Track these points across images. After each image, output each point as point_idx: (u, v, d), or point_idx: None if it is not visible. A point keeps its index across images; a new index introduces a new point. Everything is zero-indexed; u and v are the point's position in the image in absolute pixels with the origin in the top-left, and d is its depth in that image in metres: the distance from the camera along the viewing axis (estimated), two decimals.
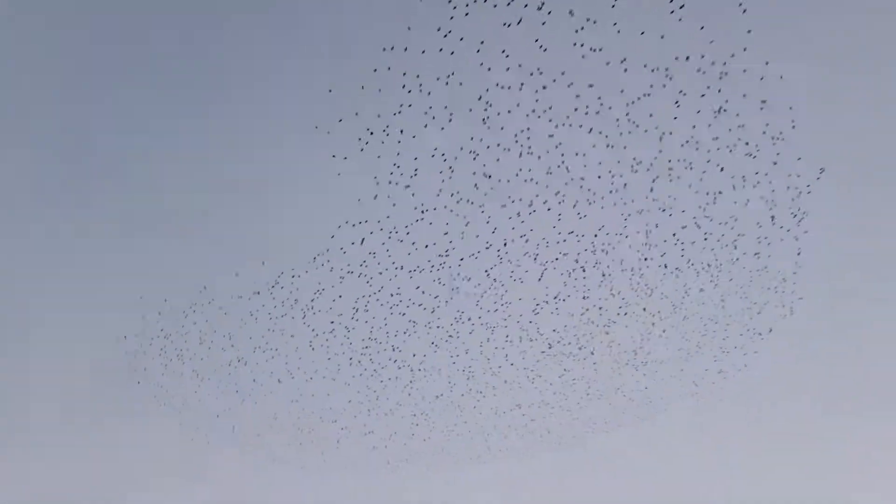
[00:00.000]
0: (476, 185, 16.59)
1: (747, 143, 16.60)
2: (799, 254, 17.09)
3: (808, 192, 16.55)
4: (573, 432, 22.12)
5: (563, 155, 16.21)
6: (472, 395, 21.72)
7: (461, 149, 16.10)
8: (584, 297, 20.53)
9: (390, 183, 16.97)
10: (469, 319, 19.93)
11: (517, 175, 16.79)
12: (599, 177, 17.09)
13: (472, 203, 16.94)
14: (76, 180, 22.57)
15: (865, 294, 20.60)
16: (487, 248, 18.18)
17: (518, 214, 17.27)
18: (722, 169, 17.10)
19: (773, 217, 17.53)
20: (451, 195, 17.00)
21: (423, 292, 18.57)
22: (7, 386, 23.63)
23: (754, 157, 16.94)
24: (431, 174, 16.38)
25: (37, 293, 23.33)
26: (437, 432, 22.32)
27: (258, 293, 17.78)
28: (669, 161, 17.12)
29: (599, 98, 15.75)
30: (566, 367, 21.55)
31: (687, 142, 16.08)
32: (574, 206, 17.46)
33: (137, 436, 22.98)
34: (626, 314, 21.06)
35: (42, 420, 24.09)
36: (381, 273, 17.91)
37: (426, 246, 17.58)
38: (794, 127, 15.62)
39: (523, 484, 23.34)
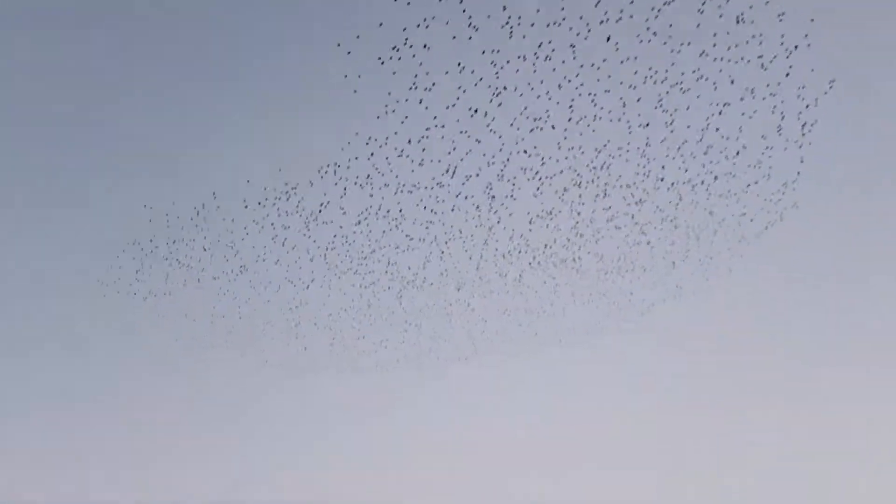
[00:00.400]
0: (492, 97, 16.47)
1: (761, 56, 16.59)
2: (802, 161, 17.22)
3: (817, 103, 16.61)
4: (558, 336, 22.73)
5: (580, 66, 16.11)
6: (460, 303, 22.17)
7: (477, 63, 15.91)
8: (577, 213, 20.76)
9: (407, 100, 16.88)
10: (461, 234, 20.17)
11: (531, 89, 16.68)
12: (608, 90, 17.08)
13: (486, 115, 16.87)
14: (95, 83, 22.49)
15: (861, 207, 21.00)
16: (490, 165, 18.26)
17: (529, 130, 17.25)
18: (732, 81, 17.11)
19: (779, 127, 17.66)
20: (468, 109, 16.91)
21: (425, 208, 18.70)
22: (8, 288, 23.85)
23: (766, 69, 16.93)
24: (448, 89, 16.23)
25: (43, 193, 23.43)
26: (425, 338, 22.86)
27: (263, 203, 17.85)
28: (682, 73, 17.11)
29: (621, 10, 15.59)
30: (553, 275, 22.03)
31: (703, 53, 16.03)
32: (580, 121, 17.51)
33: (137, 339, 23.37)
34: (616, 227, 21.39)
35: (43, 325, 24.37)
36: (385, 185, 17.97)
37: (432, 161, 17.63)
38: (808, 45, 15.58)
39: (509, 382, 24.08)
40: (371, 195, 18.76)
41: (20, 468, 23.90)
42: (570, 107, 17.81)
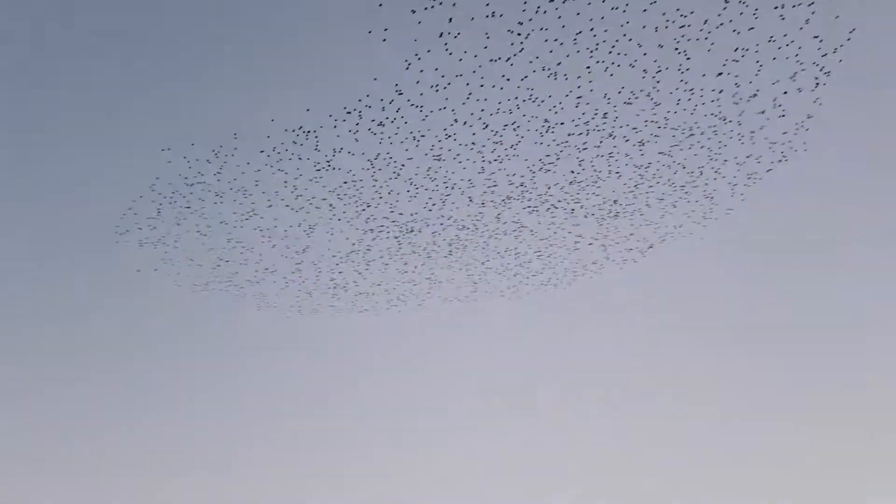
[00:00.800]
0: (512, 45, 15.63)
1: (780, 7, 15.69)
2: (816, 102, 16.75)
3: (836, 52, 15.88)
4: (560, 275, 22.95)
5: (601, 17, 15.14)
6: (458, 243, 22.18)
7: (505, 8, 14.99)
8: (579, 162, 20.45)
9: (429, 51, 16.02)
10: (464, 180, 19.90)
11: (546, 40, 15.83)
12: (625, 35, 16.20)
13: (508, 61, 16.06)
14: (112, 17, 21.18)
15: (870, 156, 20.69)
16: (496, 111, 17.63)
17: (546, 76, 16.50)
18: (751, 28, 16.29)
19: (794, 74, 16.96)
20: (490, 60, 16.12)
21: (433, 157, 18.30)
22: (18, 232, 23.52)
23: (784, 18, 16.12)
24: (475, 36, 15.40)
25: (59, 136, 22.64)
26: (424, 279, 22.99)
27: (277, 149, 17.37)
28: (705, 21, 16.20)
29: None
30: (552, 218, 21.97)
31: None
32: (588, 67, 16.71)
33: (140, 285, 23.41)
34: (617, 172, 21.10)
35: (51, 275, 24.25)
36: (396, 133, 17.45)
37: (445, 109, 16.97)
38: None
39: (508, 321, 24.52)
40: (380, 142, 18.29)
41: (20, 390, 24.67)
42: (591, 53, 17.07)
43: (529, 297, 24.31)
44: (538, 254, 22.94)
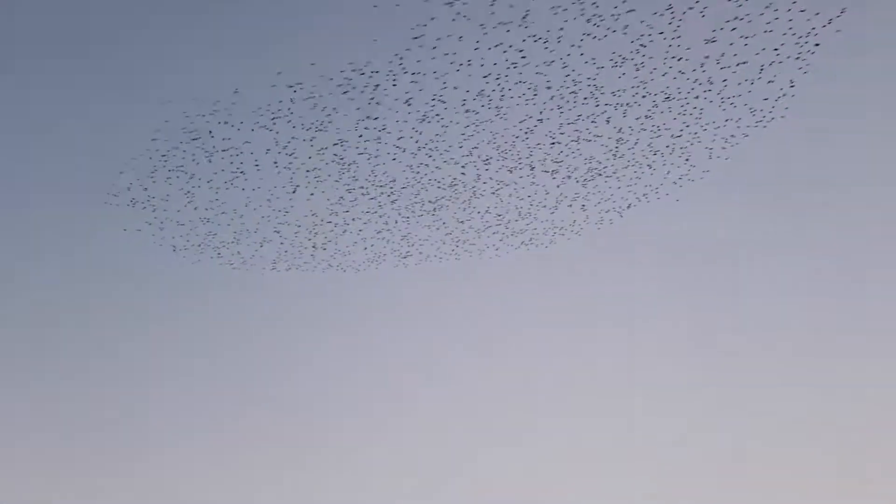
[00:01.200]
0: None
1: None
2: (800, 70, 16.85)
3: (828, 24, 15.85)
4: (532, 236, 23.29)
5: None
6: (439, 202, 22.21)
7: None
8: (559, 123, 20.52)
9: (433, 18, 15.42)
10: (445, 143, 19.75)
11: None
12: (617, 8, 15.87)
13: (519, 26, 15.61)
14: None
15: (854, 126, 21.11)
16: (486, 81, 17.33)
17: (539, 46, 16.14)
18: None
19: (781, 45, 16.96)
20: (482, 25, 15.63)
21: (420, 119, 18.00)
22: (11, 193, 22.53)
23: None
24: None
25: (52, 92, 21.50)
26: (403, 239, 23.01)
27: (269, 107, 16.78)
28: None
29: None
30: (532, 180, 22.07)
31: None
32: (585, 37, 16.39)
33: (124, 246, 22.87)
34: (597, 136, 21.20)
35: (43, 237, 23.39)
36: (386, 96, 17.02)
37: (435, 73, 16.53)
38: None
39: (486, 279, 24.89)
40: (369, 103, 17.94)
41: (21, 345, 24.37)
42: (588, 19, 16.85)
43: (509, 256, 24.59)
44: (518, 212, 23.10)
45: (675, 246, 24.55)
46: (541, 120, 19.98)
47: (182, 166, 17.70)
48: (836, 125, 22.23)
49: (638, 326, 24.41)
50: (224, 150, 17.33)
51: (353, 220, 21.25)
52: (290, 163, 17.84)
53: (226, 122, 16.66)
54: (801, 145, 22.71)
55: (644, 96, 19.53)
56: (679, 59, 17.28)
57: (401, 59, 15.57)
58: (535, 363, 24.32)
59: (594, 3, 15.88)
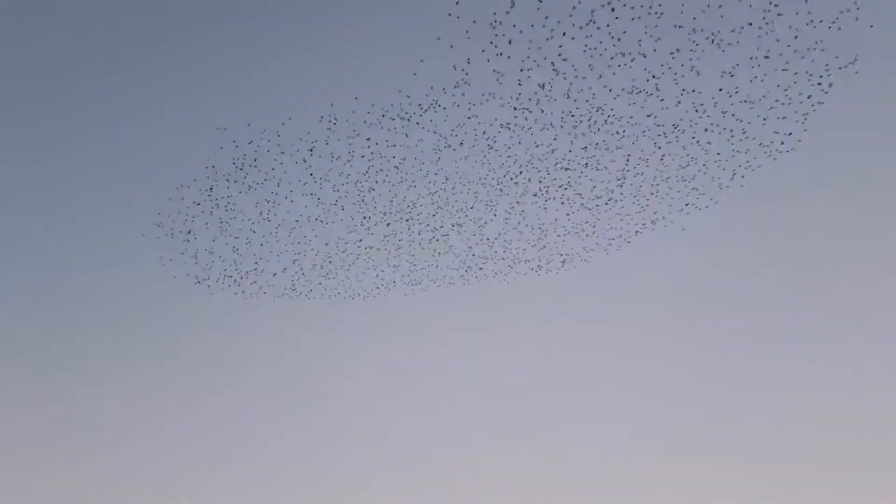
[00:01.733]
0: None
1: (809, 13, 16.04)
2: (814, 106, 17.40)
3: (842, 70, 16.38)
4: (541, 263, 23.57)
5: (628, 7, 15.16)
6: (453, 234, 22.44)
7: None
8: (569, 148, 20.95)
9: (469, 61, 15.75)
10: (458, 173, 20.09)
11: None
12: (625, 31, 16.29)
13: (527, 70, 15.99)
14: None
15: (864, 162, 21.74)
16: (503, 107, 17.67)
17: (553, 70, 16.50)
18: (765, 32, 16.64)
19: (791, 85, 17.47)
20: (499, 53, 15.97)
21: (434, 150, 18.26)
22: (55, 219, 22.35)
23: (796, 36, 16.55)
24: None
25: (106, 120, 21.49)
26: (416, 266, 23.16)
27: (304, 138, 16.96)
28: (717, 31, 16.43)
29: None
30: (544, 206, 22.42)
31: None
32: (606, 54, 16.80)
33: (154, 276, 22.79)
34: (608, 164, 21.63)
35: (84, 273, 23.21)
36: (408, 122, 17.26)
37: (457, 106, 16.83)
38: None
39: (494, 306, 25.05)
40: (394, 132, 18.19)
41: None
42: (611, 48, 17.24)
43: (517, 282, 24.81)
44: (528, 241, 23.39)
45: (681, 272, 24.98)
46: (554, 149, 20.37)
47: (226, 197, 17.78)
48: (843, 162, 22.91)
49: (644, 351, 24.71)
50: (262, 182, 17.47)
51: (368, 248, 21.42)
52: (315, 192, 18.04)
53: (267, 152, 16.85)
54: (807, 180, 23.36)
55: (655, 126, 20.01)
56: (693, 91, 17.78)
57: (435, 97, 15.89)
58: (542, 387, 24.48)
59: (615, 37, 16.35)
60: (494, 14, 14.91)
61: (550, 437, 23.86)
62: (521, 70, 16.73)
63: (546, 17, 15.23)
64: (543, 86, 17.83)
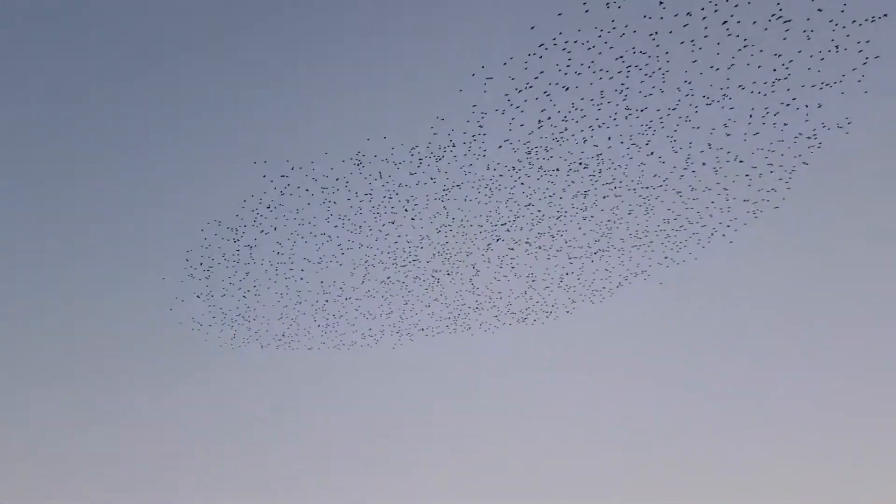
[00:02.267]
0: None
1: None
2: (800, 159, 18.65)
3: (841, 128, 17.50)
4: (529, 314, 23.78)
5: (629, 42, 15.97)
6: (444, 282, 22.46)
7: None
8: (559, 198, 21.54)
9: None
10: (455, 221, 20.37)
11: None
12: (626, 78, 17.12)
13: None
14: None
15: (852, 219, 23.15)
16: (509, 170, 18.10)
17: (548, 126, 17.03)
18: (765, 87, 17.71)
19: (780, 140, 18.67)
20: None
21: (435, 199, 18.48)
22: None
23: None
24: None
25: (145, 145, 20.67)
26: (407, 313, 22.94)
27: (342, 181, 16.78)
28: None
29: None
30: (534, 255, 22.82)
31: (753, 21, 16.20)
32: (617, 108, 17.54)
33: (161, 318, 21.70)
34: (593, 216, 22.34)
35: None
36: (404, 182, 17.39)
37: (465, 155, 17.18)
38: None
39: (479, 355, 24.92)
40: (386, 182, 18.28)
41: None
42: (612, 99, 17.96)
43: (504, 331, 24.84)
44: (516, 292, 23.59)
45: (664, 324, 25.67)
46: (551, 194, 20.87)
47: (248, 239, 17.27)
48: (826, 220, 24.44)
49: (631, 399, 24.98)
50: (283, 227, 17.10)
51: (361, 297, 21.09)
52: (328, 232, 17.79)
53: (297, 188, 16.57)
54: (790, 237, 24.76)
55: (644, 178, 20.89)
56: (683, 148, 18.75)
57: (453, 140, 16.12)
58: (527, 434, 24.24)
59: (621, 94, 17.18)
60: (513, 79, 15.54)
61: (533, 487, 23.48)
62: (536, 121, 17.35)
63: (567, 65, 15.94)
64: (550, 129, 18.41)
